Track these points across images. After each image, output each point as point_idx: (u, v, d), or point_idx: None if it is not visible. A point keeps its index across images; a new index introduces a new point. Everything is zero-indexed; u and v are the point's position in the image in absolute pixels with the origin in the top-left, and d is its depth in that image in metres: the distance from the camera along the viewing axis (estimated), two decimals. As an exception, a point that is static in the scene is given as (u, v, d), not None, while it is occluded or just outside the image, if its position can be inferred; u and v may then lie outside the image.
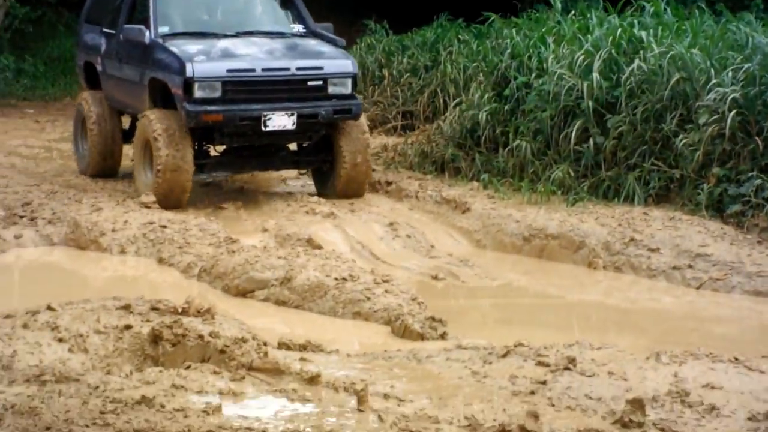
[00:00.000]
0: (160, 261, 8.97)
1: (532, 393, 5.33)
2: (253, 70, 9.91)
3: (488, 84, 11.93)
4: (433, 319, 7.29)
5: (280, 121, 9.91)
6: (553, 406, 5.19)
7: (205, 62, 9.82)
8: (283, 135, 10.16)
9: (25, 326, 6.00)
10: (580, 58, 11.07)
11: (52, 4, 19.60)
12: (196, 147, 10.17)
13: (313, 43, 10.60)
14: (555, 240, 9.40)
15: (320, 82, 10.06)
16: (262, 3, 11.13)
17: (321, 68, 10.12)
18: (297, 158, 10.83)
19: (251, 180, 11.71)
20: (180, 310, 6.63)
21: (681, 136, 10.07)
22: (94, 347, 5.89)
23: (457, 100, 12.21)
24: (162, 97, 10.26)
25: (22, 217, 9.86)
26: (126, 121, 11.87)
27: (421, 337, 7.09)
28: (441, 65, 12.95)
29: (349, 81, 10.20)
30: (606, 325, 8.11)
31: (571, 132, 10.71)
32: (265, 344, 5.95)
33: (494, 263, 9.30)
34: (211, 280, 8.46)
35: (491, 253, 9.60)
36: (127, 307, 6.54)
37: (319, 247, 8.93)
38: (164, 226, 9.32)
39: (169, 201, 9.91)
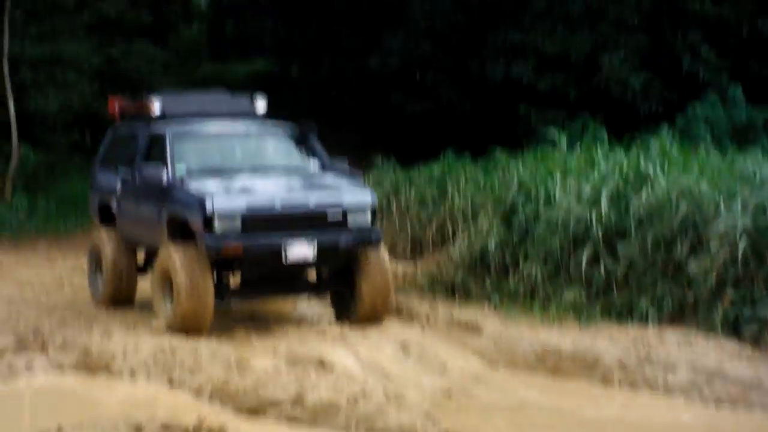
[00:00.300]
0: (171, 383, 8.86)
1: None
2: (273, 207, 10.02)
3: (496, 214, 12.02)
4: (448, 436, 7.14)
5: (301, 251, 9.99)
6: None
7: (225, 197, 9.96)
8: (303, 264, 10.18)
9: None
10: (588, 190, 11.17)
11: (65, 150, 20.07)
12: (215, 276, 10.22)
13: (330, 178, 10.77)
14: (569, 359, 9.28)
15: (339, 216, 10.17)
16: (278, 140, 11.36)
17: (339, 202, 10.22)
18: (317, 284, 10.86)
19: (261, 304, 11.68)
20: (192, 428, 6.53)
21: (692, 262, 10.04)
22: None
23: (466, 230, 12.26)
24: (181, 234, 10.38)
25: (33, 344, 9.81)
26: (140, 255, 12.02)
27: (437, 453, 6.94)
28: (449, 197, 13.08)
29: (368, 212, 10.29)
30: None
31: (582, 257, 10.71)
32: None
33: (507, 381, 9.17)
34: (222, 401, 8.34)
35: (504, 372, 9.47)
36: (138, 428, 6.46)
37: (331, 368, 8.84)
38: (175, 350, 9.24)
39: (189, 329, 9.87)
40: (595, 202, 11.02)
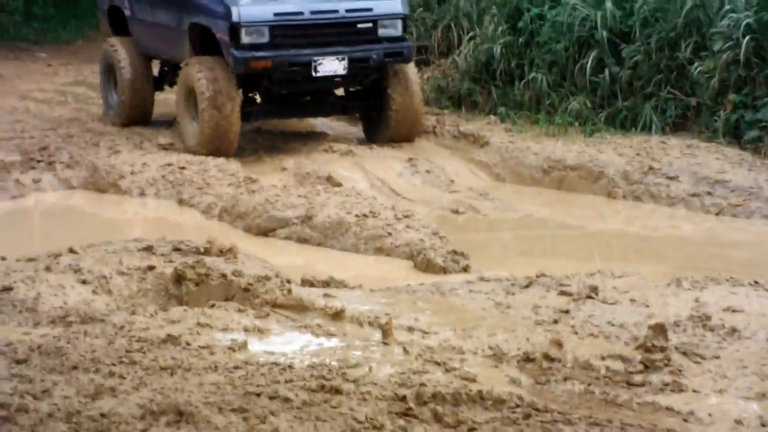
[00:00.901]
0: (181, 202, 9.01)
1: (555, 322, 5.38)
2: (302, 13, 9.57)
3: (502, 17, 11.82)
4: (455, 252, 7.34)
5: (331, 66, 9.56)
6: (576, 334, 5.24)
7: (251, 5, 9.46)
8: (333, 80, 9.82)
9: (47, 269, 6.04)
10: (594, -12, 10.97)
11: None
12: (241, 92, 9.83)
13: None
14: (574, 171, 9.39)
15: (370, 24, 9.72)
16: None
17: (370, 9, 9.77)
18: (345, 104, 10.49)
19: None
20: (202, 250, 6.68)
21: (696, 64, 10.02)
22: (117, 288, 5.95)
23: (471, 33, 12.12)
24: (202, 43, 9.92)
25: (39, 161, 9.84)
26: (155, 67, 11.47)
27: (444, 270, 7.15)
28: (454, -1, 12.83)
29: (399, 22, 9.85)
30: (627, 253, 8.14)
31: (587, 63, 10.65)
32: (288, 281, 6.00)
33: (514, 196, 9.32)
34: (232, 220, 8.50)
35: (511, 186, 9.61)
36: (149, 249, 6.59)
37: (339, 185, 8.95)
38: (183, 168, 9.34)
39: (217, 150, 9.58)
40: (601, 1, 10.83)
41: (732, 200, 8.54)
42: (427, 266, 7.23)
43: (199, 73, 9.58)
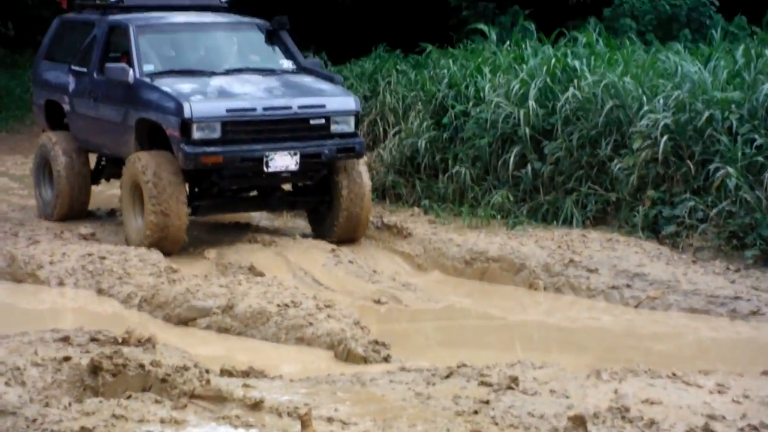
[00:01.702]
0: (100, 292, 8.89)
1: (476, 413, 5.37)
2: (254, 109, 9.43)
3: (427, 112, 12.05)
4: (376, 342, 7.33)
5: (283, 161, 9.47)
6: (497, 425, 5.23)
7: (203, 101, 9.34)
8: (283, 176, 9.71)
9: (-42, 360, 5.90)
10: (516, 87, 11.25)
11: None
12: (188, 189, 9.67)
13: (309, 80, 10.13)
14: (496, 263, 9.47)
15: (323, 121, 9.63)
16: (249, 39, 10.64)
17: (323, 106, 9.69)
18: (293, 199, 10.35)
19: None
20: (120, 340, 6.59)
21: (616, 161, 10.26)
22: (31, 380, 5.83)
23: (397, 128, 12.31)
24: (149, 138, 9.78)
25: (-44, 251, 9.67)
26: (91, 160, 11.30)
27: (365, 360, 7.12)
28: (380, 95, 13.02)
29: (352, 119, 9.79)
30: (547, 344, 8.19)
31: (509, 158, 10.86)
32: (207, 372, 5.92)
33: (436, 286, 9.35)
34: (152, 309, 8.40)
35: (433, 277, 9.65)
36: (65, 339, 6.49)
37: (261, 275, 8.92)
38: (103, 257, 9.23)
39: (163, 246, 9.39)
40: (524, 99, 11.09)
41: (650, 293, 8.67)
42: (347, 356, 7.20)
43: (145, 168, 9.40)
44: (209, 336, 7.94)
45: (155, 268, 8.97)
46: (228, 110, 9.35)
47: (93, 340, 6.60)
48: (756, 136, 9.54)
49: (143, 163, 9.43)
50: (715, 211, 9.36)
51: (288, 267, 9.40)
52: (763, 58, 10.54)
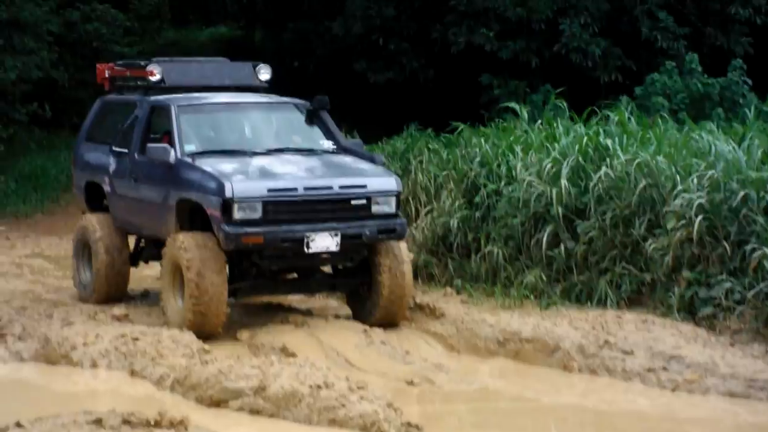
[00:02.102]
0: (133, 373, 8.87)
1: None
2: (295, 189, 9.34)
3: (459, 191, 12.07)
4: (409, 424, 7.26)
5: (324, 242, 9.32)
6: None
7: (245, 181, 9.27)
8: (324, 257, 9.56)
9: (-8, 444, 5.89)
10: (548, 166, 11.25)
11: (24, 123, 19.71)
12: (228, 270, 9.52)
13: (350, 160, 10.04)
14: (529, 343, 9.38)
15: (364, 201, 9.51)
16: (289, 119, 10.64)
17: (364, 186, 9.57)
18: (333, 281, 10.21)
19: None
20: (153, 422, 6.57)
21: (650, 241, 10.18)
22: (66, 463, 5.80)
23: (429, 207, 12.33)
24: (190, 219, 9.72)
25: (-10, 333, 9.73)
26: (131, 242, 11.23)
27: (397, 442, 7.04)
28: (412, 174, 13.08)
29: (394, 199, 9.65)
30: (583, 427, 8.06)
31: (542, 238, 10.81)
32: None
33: (469, 367, 9.26)
34: (184, 391, 8.36)
35: (466, 358, 9.56)
36: (98, 421, 6.49)
37: (293, 356, 8.87)
38: (136, 339, 9.22)
39: (203, 329, 9.27)
40: (556, 178, 11.09)
41: (688, 376, 8.53)
42: (380, 439, 7.13)
43: (186, 249, 9.30)
44: (242, 418, 7.88)
45: (188, 349, 8.95)
46: (269, 190, 9.27)
47: (126, 422, 6.60)
48: (792, 216, 9.46)
49: (184, 245, 9.35)
50: (752, 293, 9.24)
51: (320, 348, 9.35)
52: (798, 136, 10.52)
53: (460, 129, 13.54)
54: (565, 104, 13.67)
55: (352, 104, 19.76)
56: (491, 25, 18.60)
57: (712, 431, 7.74)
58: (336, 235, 9.37)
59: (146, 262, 11.35)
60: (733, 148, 10.63)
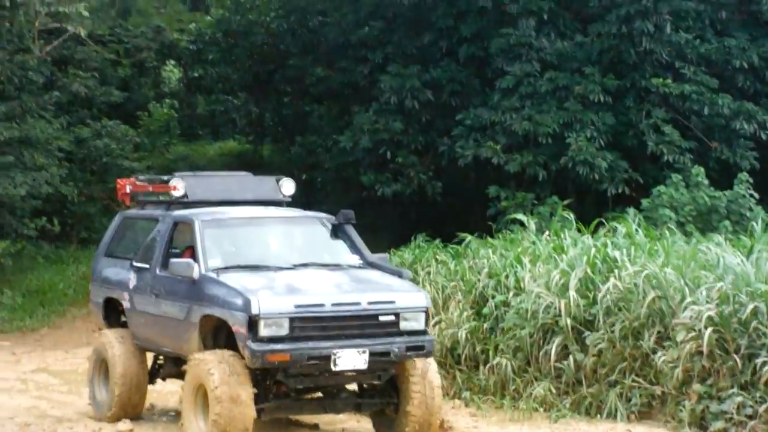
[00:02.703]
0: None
1: None
2: (323, 305, 9.01)
3: (467, 303, 12.04)
4: None
5: (351, 359, 8.95)
6: None
7: (271, 297, 8.95)
8: (350, 375, 9.22)
9: None
10: (557, 277, 11.21)
11: (32, 237, 19.79)
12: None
13: (377, 275, 9.75)
14: (539, 459, 9.25)
15: (392, 317, 9.15)
16: (314, 233, 10.37)
17: (393, 302, 9.21)
18: (359, 400, 9.71)
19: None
20: None
21: (660, 353, 10.09)
22: None
23: (437, 318, 12.26)
24: (213, 336, 9.45)
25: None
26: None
27: None
28: (420, 284, 13.05)
29: (422, 315, 9.28)
30: None
31: (551, 349, 10.72)
32: None
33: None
34: None
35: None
36: None
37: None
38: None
39: None
40: (564, 290, 11.04)
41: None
42: None
43: (210, 368, 8.95)
44: None
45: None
46: (296, 306, 8.95)
47: None
48: (803, 328, 9.39)
49: (209, 366, 8.97)
50: (764, 407, 9.13)
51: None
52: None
53: (468, 240, 13.57)
54: (572, 216, 13.72)
55: (360, 215, 19.78)
56: (498, 139, 18.80)
57: None
58: (364, 352, 9.02)
59: (164, 379, 10.99)
60: (742, 260, 10.61)
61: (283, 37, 24.58)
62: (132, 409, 10.47)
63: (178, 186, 10.43)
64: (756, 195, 16.08)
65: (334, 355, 8.93)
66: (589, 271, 11.18)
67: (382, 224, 19.94)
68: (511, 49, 19.56)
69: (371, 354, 9.03)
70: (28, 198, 19.13)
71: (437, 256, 13.77)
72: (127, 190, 10.97)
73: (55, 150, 20.39)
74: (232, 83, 26.08)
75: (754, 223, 13.06)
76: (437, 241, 14.86)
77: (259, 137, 26.51)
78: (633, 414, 10.10)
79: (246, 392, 8.89)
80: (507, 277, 11.97)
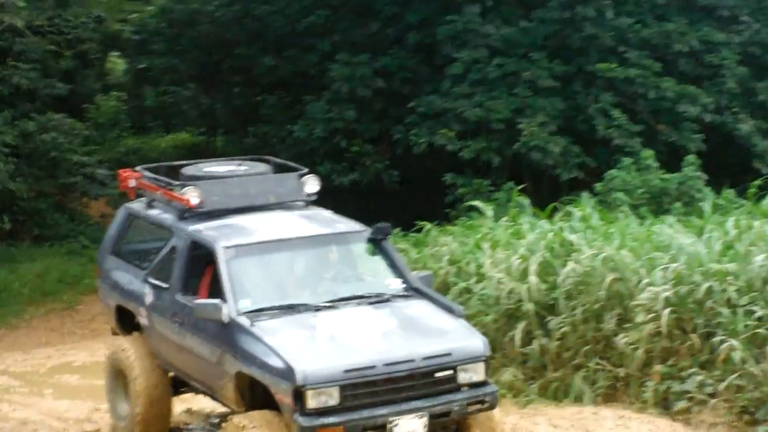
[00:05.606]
0: None
1: None
2: (374, 367, 7.91)
3: (430, 290, 12.11)
4: None
5: (409, 426, 7.93)
6: None
7: (317, 361, 7.86)
8: None
9: None
10: (516, 263, 11.36)
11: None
12: None
13: (427, 313, 8.57)
14: (509, 445, 9.39)
15: (450, 372, 8.10)
16: (350, 253, 9.20)
17: (449, 354, 8.11)
18: None
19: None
20: None
21: (621, 335, 10.29)
22: None
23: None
24: (251, 390, 8.32)
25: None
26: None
27: None
28: (381, 274, 13.11)
29: (482, 366, 8.19)
30: None
31: (515, 335, 10.88)
32: None
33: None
34: None
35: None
36: None
37: None
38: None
39: None
40: (524, 274, 11.18)
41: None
42: None
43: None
44: None
45: None
46: (346, 371, 7.86)
47: None
48: (755, 308, 9.63)
49: (253, 429, 7.95)
50: (723, 385, 9.35)
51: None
52: (753, 229, 10.76)
53: (427, 228, 13.68)
54: (527, 201, 13.90)
55: (317, 206, 19.92)
56: (451, 126, 18.98)
57: None
58: (422, 416, 8.00)
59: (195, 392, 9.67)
60: (694, 241, 10.84)
61: (228, 26, 24.47)
62: (157, 426, 9.41)
63: (193, 198, 9.11)
64: (704, 176, 16.42)
65: (391, 423, 7.93)
66: (547, 255, 11.34)
67: (341, 214, 20.00)
68: (458, 35, 19.74)
69: (431, 416, 8.05)
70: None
71: (398, 245, 13.84)
72: (131, 185, 9.94)
73: (1, 145, 20.10)
74: (180, 74, 25.93)
75: (704, 204, 13.32)
76: (397, 230, 14.95)
77: (212, 128, 26.45)
78: (599, 396, 10.28)
79: None
80: (468, 263, 12.08)
